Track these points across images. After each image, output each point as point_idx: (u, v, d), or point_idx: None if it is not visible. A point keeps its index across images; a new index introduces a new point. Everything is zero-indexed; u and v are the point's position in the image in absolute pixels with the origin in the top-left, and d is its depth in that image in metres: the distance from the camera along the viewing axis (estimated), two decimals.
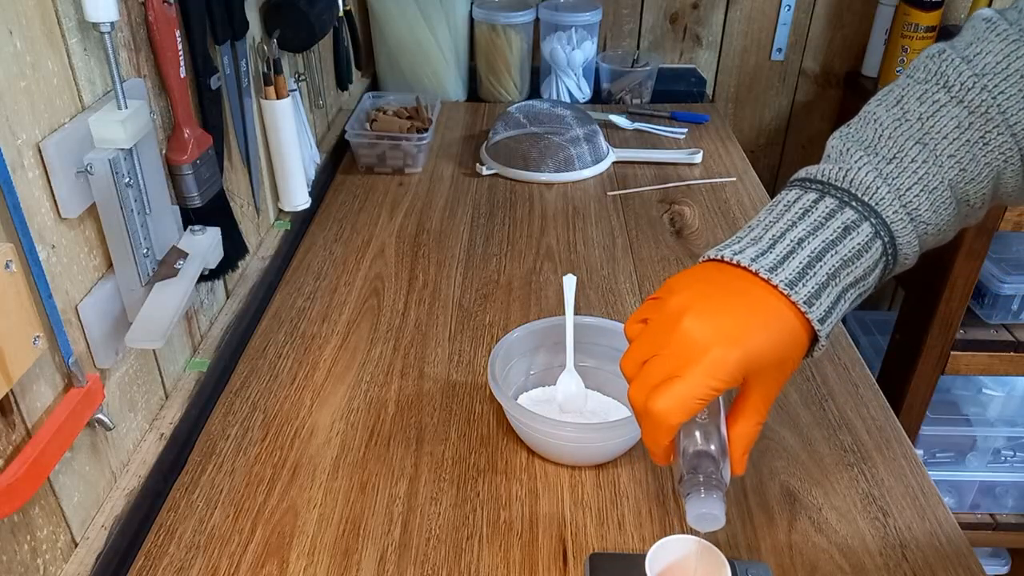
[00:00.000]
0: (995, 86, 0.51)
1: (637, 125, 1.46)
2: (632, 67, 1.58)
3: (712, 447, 0.51)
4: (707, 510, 0.49)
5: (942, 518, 0.69)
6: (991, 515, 1.62)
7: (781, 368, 0.50)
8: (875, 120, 0.55)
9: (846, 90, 1.79)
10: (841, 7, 1.70)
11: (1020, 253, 1.50)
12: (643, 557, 0.55)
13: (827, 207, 0.52)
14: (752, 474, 0.73)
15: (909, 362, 1.50)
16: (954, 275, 1.38)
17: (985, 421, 1.59)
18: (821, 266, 0.50)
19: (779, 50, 1.75)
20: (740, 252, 0.51)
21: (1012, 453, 1.58)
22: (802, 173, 0.55)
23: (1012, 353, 1.45)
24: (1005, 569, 1.73)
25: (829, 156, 0.55)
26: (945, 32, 1.60)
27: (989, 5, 1.61)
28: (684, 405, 0.48)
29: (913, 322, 1.49)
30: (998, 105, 0.51)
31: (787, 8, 1.70)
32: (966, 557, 0.66)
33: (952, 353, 1.46)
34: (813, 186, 0.53)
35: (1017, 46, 0.51)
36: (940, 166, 0.52)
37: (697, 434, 0.51)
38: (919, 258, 0.55)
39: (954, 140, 0.52)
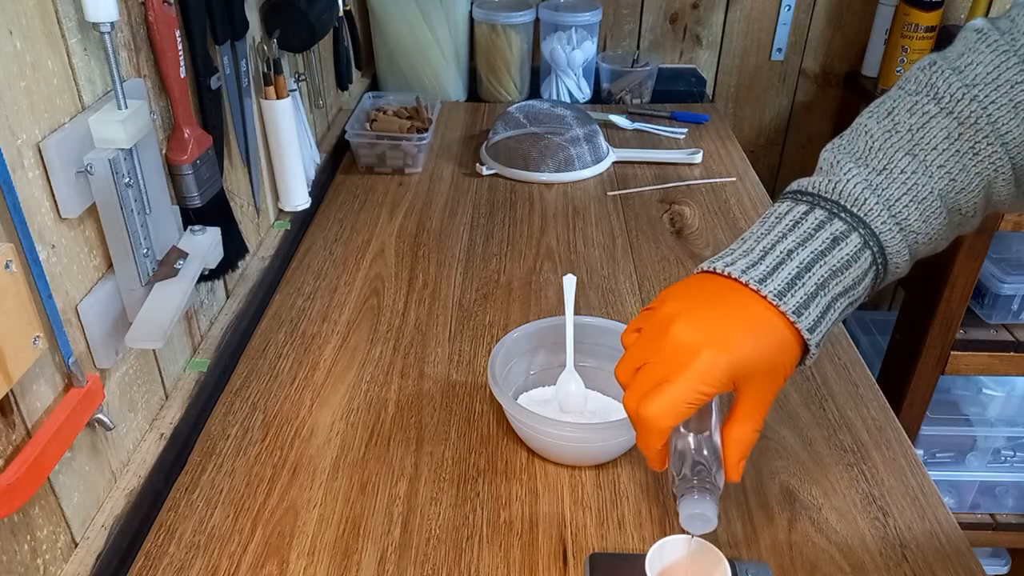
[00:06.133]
0: (985, 96, 0.51)
1: (637, 125, 1.46)
2: (632, 67, 1.58)
3: (705, 452, 0.52)
4: (699, 511, 0.51)
5: (942, 518, 0.69)
6: (991, 515, 1.62)
7: (772, 375, 0.51)
8: (866, 132, 0.55)
9: (846, 90, 1.79)
10: (841, 7, 1.70)
11: (1020, 253, 1.50)
12: (643, 557, 0.55)
13: (816, 219, 0.53)
14: (752, 474, 0.73)
15: (909, 362, 1.50)
16: (954, 275, 1.38)
17: (985, 421, 1.59)
18: (810, 276, 0.51)
19: (779, 50, 1.75)
20: (732, 264, 0.53)
21: (1012, 453, 1.58)
22: (794, 185, 0.56)
23: (1012, 353, 1.45)
24: (1005, 569, 1.73)
25: (821, 168, 0.56)
26: (945, 32, 1.59)
27: (988, 5, 1.61)
28: (674, 409, 0.49)
29: (913, 322, 1.49)
30: (988, 115, 0.51)
31: (787, 8, 1.70)
32: (966, 557, 0.66)
33: (952, 353, 1.46)
34: (804, 198, 0.54)
35: (1007, 56, 0.51)
36: (930, 176, 0.52)
37: (690, 439, 0.53)
38: (917, 262, 0.55)
39: (944, 151, 0.52)
